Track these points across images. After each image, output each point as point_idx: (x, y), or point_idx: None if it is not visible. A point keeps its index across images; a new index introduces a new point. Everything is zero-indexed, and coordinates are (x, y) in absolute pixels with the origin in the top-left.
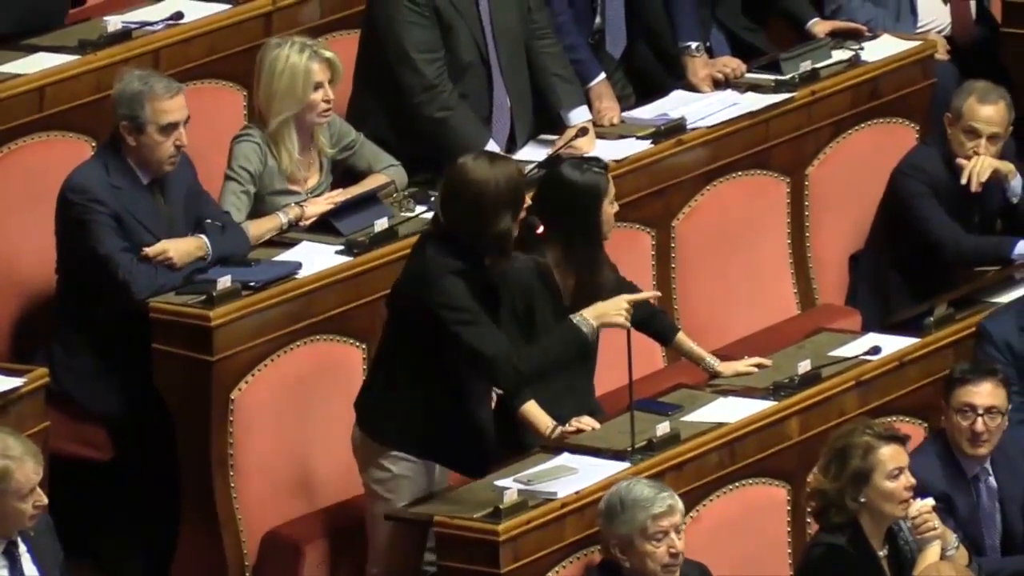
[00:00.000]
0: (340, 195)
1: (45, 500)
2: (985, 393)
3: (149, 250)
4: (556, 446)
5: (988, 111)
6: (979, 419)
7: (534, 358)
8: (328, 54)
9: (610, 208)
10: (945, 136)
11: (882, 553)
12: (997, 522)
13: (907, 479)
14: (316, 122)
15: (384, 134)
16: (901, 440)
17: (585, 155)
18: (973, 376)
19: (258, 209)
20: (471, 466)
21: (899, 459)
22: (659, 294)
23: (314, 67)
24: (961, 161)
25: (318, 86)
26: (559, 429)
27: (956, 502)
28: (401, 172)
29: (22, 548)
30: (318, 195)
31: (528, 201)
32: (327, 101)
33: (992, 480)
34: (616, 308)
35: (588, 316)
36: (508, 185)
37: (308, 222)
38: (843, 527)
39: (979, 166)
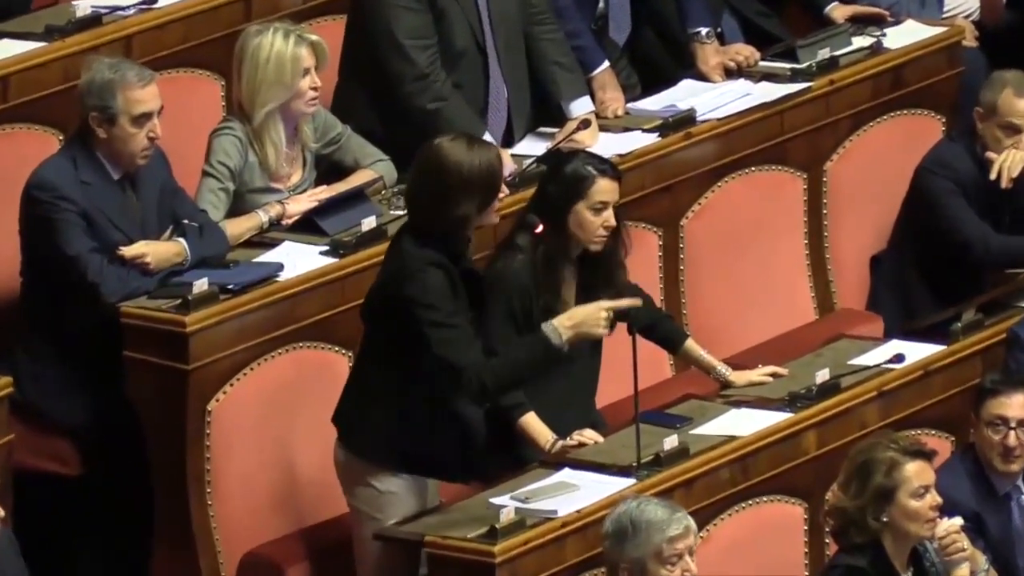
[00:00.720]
0: (324, 192)
1: (2, 512)
2: (1017, 405)
3: (125, 251)
4: (556, 461)
5: None
6: (1011, 433)
7: (502, 372)
8: (313, 38)
9: (589, 214)
10: (973, 130)
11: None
12: None
13: (933, 498)
14: (304, 111)
15: (372, 127)
16: (927, 456)
17: (590, 151)
18: (1004, 387)
19: (237, 207)
20: (456, 473)
21: (925, 476)
22: (639, 302)
23: (302, 53)
24: (990, 155)
25: (306, 72)
26: (559, 443)
27: (987, 521)
28: (390, 167)
29: None
30: (301, 192)
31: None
32: (315, 88)
33: None
34: (594, 318)
35: (561, 325)
36: (481, 171)
37: (290, 221)
38: (864, 548)
39: (1010, 160)
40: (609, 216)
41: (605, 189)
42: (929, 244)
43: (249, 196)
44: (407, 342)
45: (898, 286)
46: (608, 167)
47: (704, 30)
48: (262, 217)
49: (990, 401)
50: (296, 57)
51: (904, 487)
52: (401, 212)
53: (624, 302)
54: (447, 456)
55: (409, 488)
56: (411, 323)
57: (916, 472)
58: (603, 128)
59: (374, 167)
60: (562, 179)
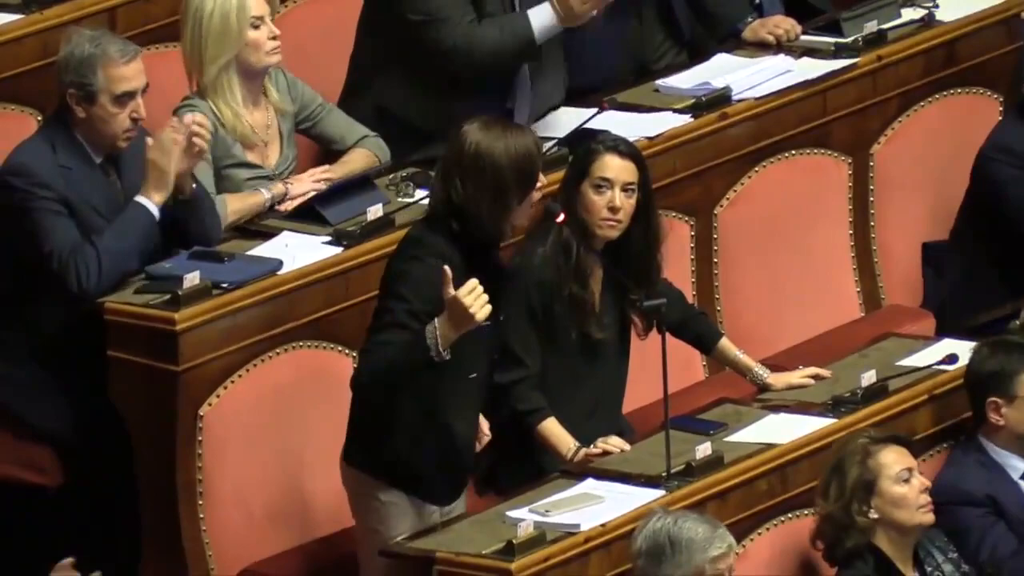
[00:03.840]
0: (327, 172)
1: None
2: None
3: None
4: (579, 471)
5: None
6: None
7: (377, 368)
8: None
9: (591, 193)
10: None
11: None
12: None
13: (921, 482)
14: (266, 63)
15: (389, 103)
16: (903, 441)
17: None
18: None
19: (217, 187)
20: (441, 498)
21: (904, 460)
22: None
23: (248, 2)
24: None
25: (258, 22)
26: (582, 451)
27: (1003, 502)
28: (381, 144)
29: None
30: (289, 170)
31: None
32: (274, 38)
33: None
34: (460, 306)
35: (439, 325)
36: (518, 159)
37: (290, 205)
38: (862, 553)
39: None
40: (613, 197)
41: (608, 165)
42: (991, 235)
43: (225, 172)
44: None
45: (953, 280)
46: (619, 143)
47: (742, 24)
48: (264, 194)
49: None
50: (242, 5)
51: (884, 474)
52: (410, 200)
53: (469, 284)
54: (432, 473)
55: (414, 500)
56: (380, 298)
57: (895, 457)
58: (661, 99)
59: (363, 144)
60: (574, 160)
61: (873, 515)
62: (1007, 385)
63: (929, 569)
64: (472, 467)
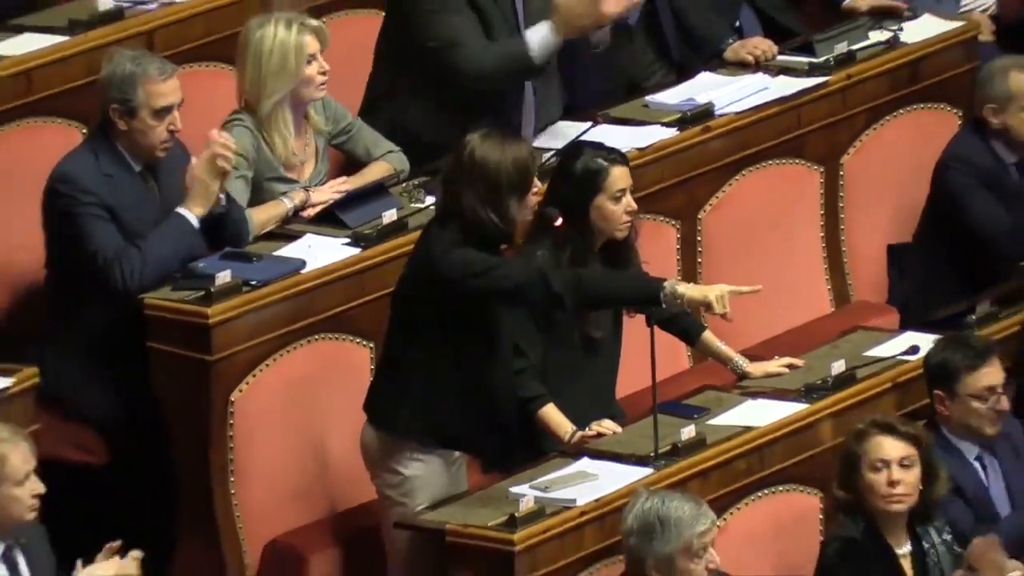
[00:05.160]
0: (345, 183)
1: (42, 488)
2: (997, 371)
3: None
4: (575, 451)
5: None
6: (1002, 398)
7: (578, 280)
8: (315, 23)
9: (611, 204)
10: (987, 125)
11: (903, 551)
12: (1006, 502)
13: (894, 473)
14: (314, 97)
15: (407, 119)
16: (897, 432)
17: (592, 141)
18: (978, 360)
19: (253, 198)
20: (494, 455)
21: (886, 451)
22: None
23: (305, 40)
24: None
25: (311, 59)
26: (578, 434)
27: (961, 483)
28: (402, 158)
29: (20, 557)
30: (319, 184)
31: (538, 187)
32: (323, 73)
33: (996, 461)
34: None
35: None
36: (516, 166)
37: (313, 210)
38: (856, 515)
39: None
40: (629, 201)
41: (620, 176)
42: (950, 238)
43: (266, 185)
44: (444, 322)
45: (923, 280)
46: (616, 155)
47: (724, 45)
48: (287, 204)
49: (973, 375)
50: (300, 45)
51: (864, 459)
52: (422, 205)
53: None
54: (481, 433)
55: (434, 472)
56: (454, 300)
57: (877, 446)
58: (622, 121)
59: (387, 159)
60: (575, 177)
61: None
62: (950, 381)
63: (926, 546)
64: (515, 427)
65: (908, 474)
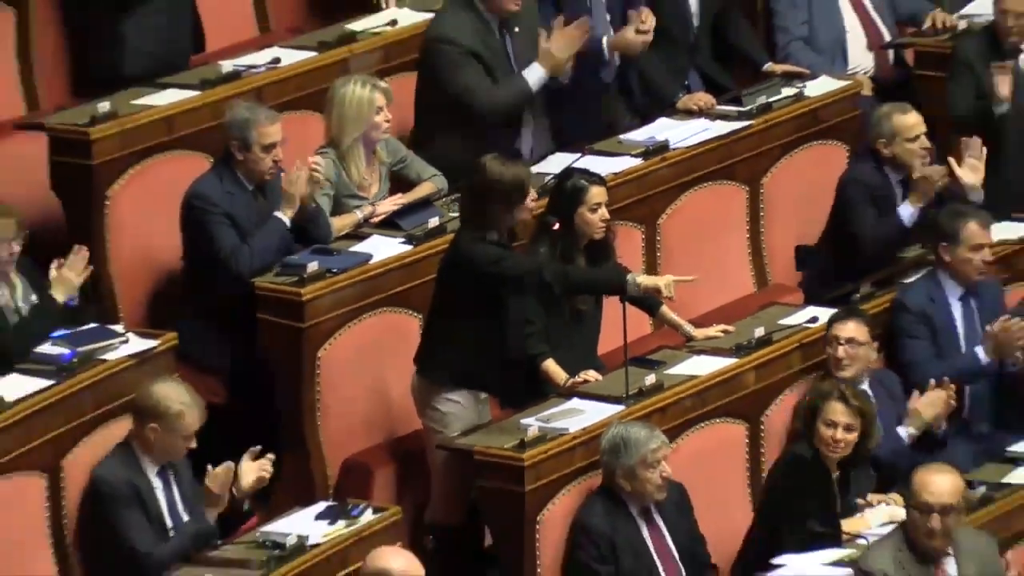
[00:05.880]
0: (401, 199)
1: (194, 444)
2: (858, 327)
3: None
4: (568, 393)
5: (913, 117)
6: (841, 347)
7: (565, 274)
8: (383, 84)
9: (589, 214)
10: (878, 156)
11: (834, 476)
12: None
13: (837, 434)
14: (379, 138)
15: (444, 150)
16: (844, 399)
17: (581, 168)
18: (846, 315)
19: (335, 211)
20: (509, 396)
21: (839, 415)
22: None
23: (376, 96)
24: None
25: (379, 110)
26: (571, 380)
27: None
28: (442, 179)
29: (171, 474)
30: (381, 199)
31: (534, 196)
32: (387, 121)
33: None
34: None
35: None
36: (513, 180)
37: (378, 219)
38: (810, 441)
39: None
40: (604, 212)
41: (597, 193)
42: (846, 240)
43: (344, 200)
44: (469, 297)
45: (821, 269)
46: (596, 177)
47: (676, 98)
48: (359, 215)
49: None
50: (371, 100)
51: (820, 416)
52: (456, 214)
53: None
54: (496, 378)
55: (464, 408)
56: (475, 282)
57: (832, 408)
58: (605, 153)
59: (432, 180)
60: (565, 193)
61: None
62: (830, 340)
63: (850, 496)
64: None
65: (849, 435)
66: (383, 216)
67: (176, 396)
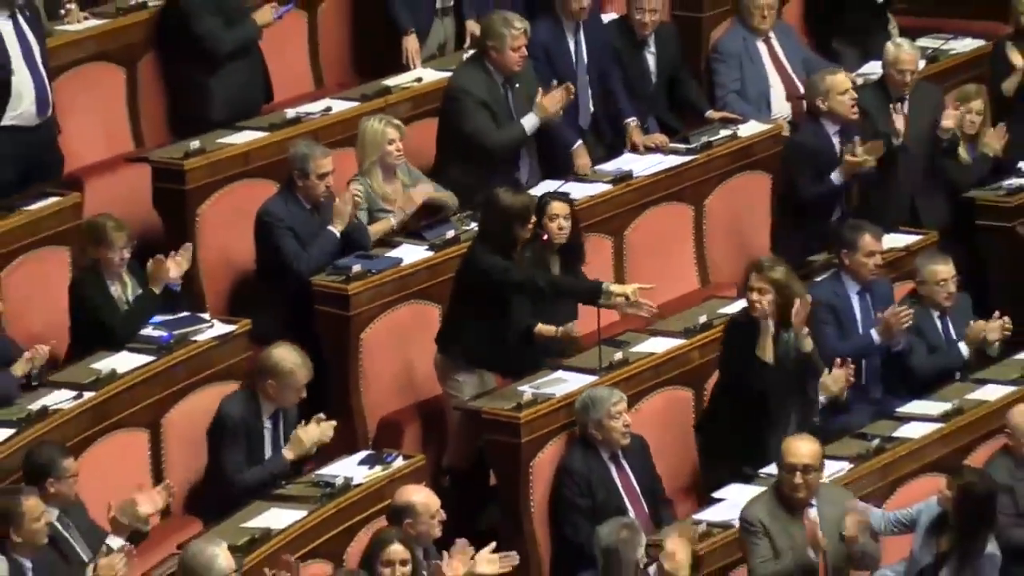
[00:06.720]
0: (422, 195)
1: (304, 394)
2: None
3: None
4: (555, 367)
5: (841, 76)
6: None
7: (554, 282)
8: (396, 121)
9: (549, 223)
10: (817, 111)
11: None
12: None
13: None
14: (393, 163)
15: (456, 178)
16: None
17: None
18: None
19: (369, 221)
20: (510, 370)
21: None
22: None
23: (389, 130)
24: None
25: (391, 141)
26: (560, 329)
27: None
28: (454, 198)
29: (280, 417)
30: (404, 208)
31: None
32: (399, 150)
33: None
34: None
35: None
36: (519, 207)
37: (409, 212)
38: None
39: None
40: (560, 223)
41: (556, 207)
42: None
43: (376, 215)
44: (478, 295)
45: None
46: (558, 195)
47: (631, 121)
48: (392, 221)
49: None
50: (384, 132)
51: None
52: (468, 228)
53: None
54: (498, 358)
55: (476, 381)
56: (490, 282)
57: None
58: (578, 180)
59: (437, 191)
60: (539, 208)
61: None
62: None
63: (785, 338)
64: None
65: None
66: (412, 211)
67: (289, 357)
